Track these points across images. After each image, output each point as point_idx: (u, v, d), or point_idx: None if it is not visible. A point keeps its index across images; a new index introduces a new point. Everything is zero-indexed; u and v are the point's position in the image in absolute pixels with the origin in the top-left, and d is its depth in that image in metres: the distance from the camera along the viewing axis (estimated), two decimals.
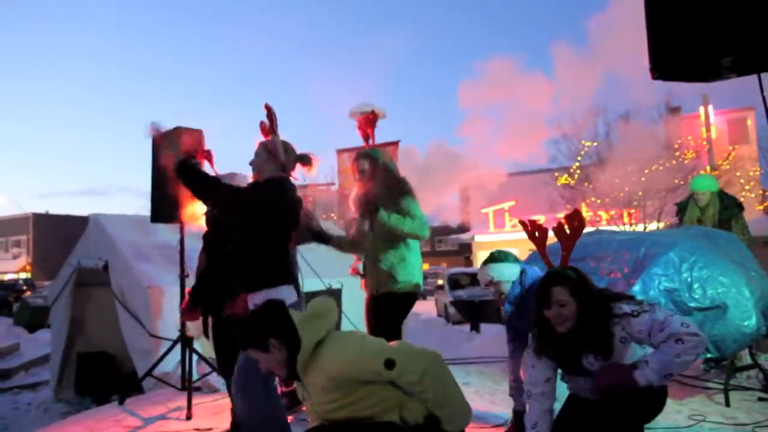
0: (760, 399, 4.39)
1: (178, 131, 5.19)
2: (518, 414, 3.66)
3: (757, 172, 19.21)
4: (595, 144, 19.24)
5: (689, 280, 4.15)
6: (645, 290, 4.05)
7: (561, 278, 2.63)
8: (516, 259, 3.67)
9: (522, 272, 3.60)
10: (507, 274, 3.58)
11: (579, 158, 19.54)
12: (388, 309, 3.89)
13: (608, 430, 2.48)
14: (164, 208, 5.09)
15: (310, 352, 2.35)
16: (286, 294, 3.06)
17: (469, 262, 24.75)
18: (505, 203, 24.78)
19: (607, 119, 19.13)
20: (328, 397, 2.36)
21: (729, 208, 5.50)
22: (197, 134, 5.18)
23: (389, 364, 2.27)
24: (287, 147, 3.41)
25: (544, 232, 3.20)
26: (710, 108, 20.54)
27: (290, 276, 3.23)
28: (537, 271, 3.67)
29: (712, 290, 4.13)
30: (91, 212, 6.96)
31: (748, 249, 4.69)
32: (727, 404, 4.26)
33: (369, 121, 4.36)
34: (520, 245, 24.02)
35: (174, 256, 6.61)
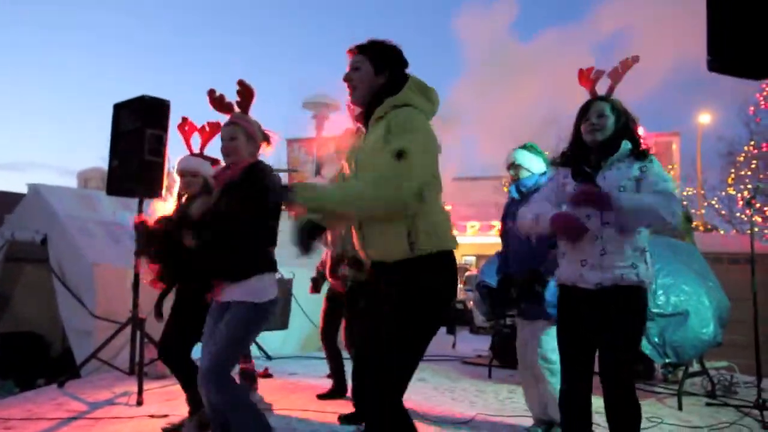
0: (708, 404, 4.59)
1: (142, 101, 4.91)
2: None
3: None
4: (548, 153, 19.47)
5: (653, 286, 4.28)
6: None
7: (604, 98, 2.78)
8: (548, 164, 3.58)
9: (543, 173, 3.55)
10: (530, 164, 3.57)
11: None
12: None
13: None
14: (122, 181, 4.78)
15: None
16: (267, 283, 2.87)
17: None
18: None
19: (559, 130, 19.37)
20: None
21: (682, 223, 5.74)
22: (163, 105, 4.92)
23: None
24: (258, 126, 3.12)
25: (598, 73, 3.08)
26: (641, 131, 21.56)
27: (274, 264, 3.02)
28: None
29: (675, 297, 4.28)
30: (6, 189, 6.46)
31: (705, 261, 4.89)
32: (680, 408, 4.42)
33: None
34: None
35: (119, 235, 6.26)
